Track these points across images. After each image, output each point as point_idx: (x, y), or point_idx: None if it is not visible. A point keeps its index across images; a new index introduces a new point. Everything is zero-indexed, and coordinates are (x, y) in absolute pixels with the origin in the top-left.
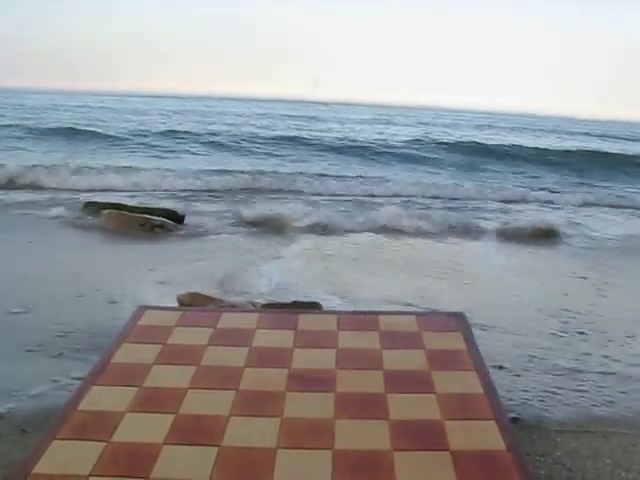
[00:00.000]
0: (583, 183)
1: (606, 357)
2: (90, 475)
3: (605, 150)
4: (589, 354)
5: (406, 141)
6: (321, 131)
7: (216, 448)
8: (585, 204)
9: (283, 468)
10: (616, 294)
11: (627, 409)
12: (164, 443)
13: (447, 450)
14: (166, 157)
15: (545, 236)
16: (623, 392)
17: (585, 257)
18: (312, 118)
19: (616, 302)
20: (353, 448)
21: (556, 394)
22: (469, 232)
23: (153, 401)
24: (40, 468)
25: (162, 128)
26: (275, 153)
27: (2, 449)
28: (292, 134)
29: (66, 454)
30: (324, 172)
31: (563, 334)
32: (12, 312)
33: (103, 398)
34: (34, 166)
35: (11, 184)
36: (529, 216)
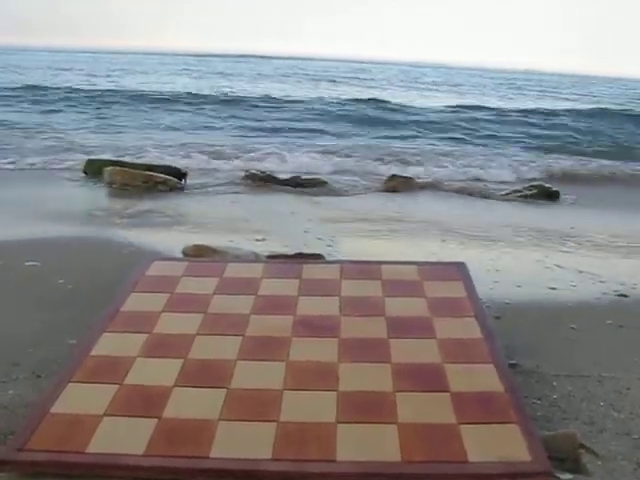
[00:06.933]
0: None
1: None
2: (105, 415)
3: None
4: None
5: None
6: None
7: (224, 390)
8: None
9: (289, 407)
10: None
11: (623, 354)
12: (174, 386)
13: (447, 391)
14: None
15: None
16: (619, 337)
17: None
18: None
19: None
20: (356, 389)
21: (554, 342)
22: None
23: (163, 347)
24: (57, 408)
25: None
26: None
27: (20, 392)
28: None
29: (81, 396)
30: None
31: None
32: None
33: (114, 344)
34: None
35: None
36: None
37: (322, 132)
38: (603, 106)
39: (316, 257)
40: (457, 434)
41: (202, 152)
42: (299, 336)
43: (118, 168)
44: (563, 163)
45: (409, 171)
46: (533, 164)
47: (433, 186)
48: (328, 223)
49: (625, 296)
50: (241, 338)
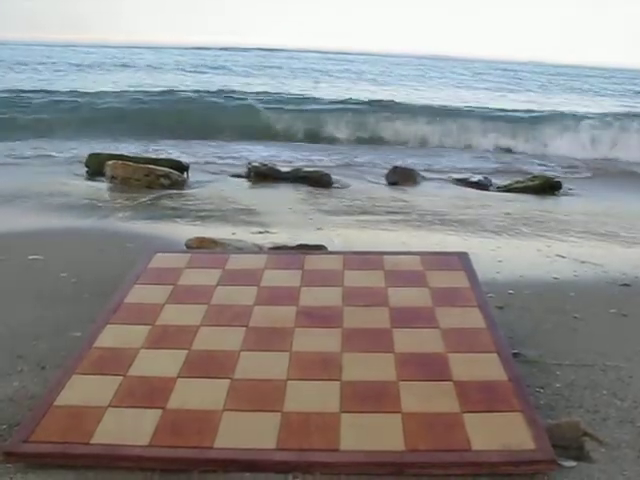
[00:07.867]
0: None
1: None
2: (109, 406)
3: None
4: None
5: None
6: None
7: (228, 380)
8: None
9: (293, 397)
10: None
11: (625, 343)
12: (178, 377)
13: (450, 380)
14: None
15: None
16: (621, 326)
17: None
18: None
19: None
20: (360, 379)
21: (557, 331)
22: None
23: (166, 338)
24: (61, 400)
25: None
26: None
27: (25, 384)
28: None
29: (85, 387)
30: None
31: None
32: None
33: (118, 336)
34: None
35: None
36: None
37: (320, 126)
38: None
39: (318, 248)
40: (461, 423)
41: (204, 146)
42: (302, 326)
43: (120, 162)
44: (565, 155)
45: (410, 163)
46: (533, 157)
47: (435, 177)
48: (330, 215)
49: (628, 285)
50: (244, 329)
